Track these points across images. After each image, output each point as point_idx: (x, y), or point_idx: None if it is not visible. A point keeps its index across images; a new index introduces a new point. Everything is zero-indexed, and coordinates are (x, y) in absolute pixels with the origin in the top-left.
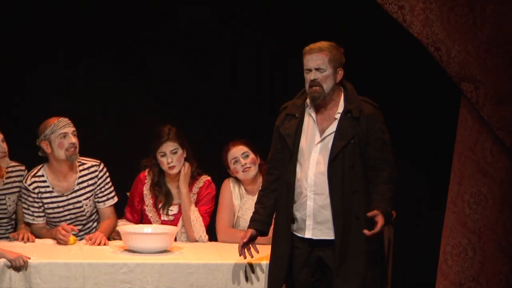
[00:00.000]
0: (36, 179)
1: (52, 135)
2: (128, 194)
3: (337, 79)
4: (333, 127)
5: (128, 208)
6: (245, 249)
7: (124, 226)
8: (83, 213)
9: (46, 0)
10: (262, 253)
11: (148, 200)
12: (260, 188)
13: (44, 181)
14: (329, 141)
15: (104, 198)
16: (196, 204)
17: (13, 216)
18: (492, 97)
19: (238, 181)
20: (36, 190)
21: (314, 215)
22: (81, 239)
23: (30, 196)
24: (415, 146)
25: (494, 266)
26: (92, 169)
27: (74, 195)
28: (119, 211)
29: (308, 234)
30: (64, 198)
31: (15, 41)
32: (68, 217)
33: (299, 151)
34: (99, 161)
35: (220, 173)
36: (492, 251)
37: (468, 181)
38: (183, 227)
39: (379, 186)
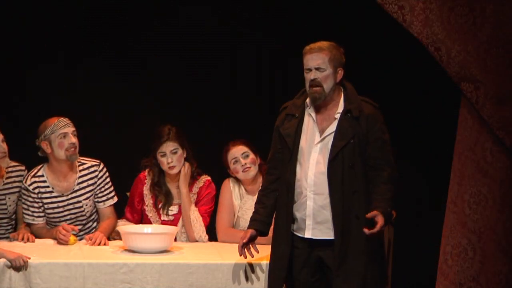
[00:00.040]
0: (36, 179)
1: (52, 135)
2: (128, 194)
3: (337, 78)
4: (333, 127)
5: (128, 208)
6: (245, 249)
7: (124, 226)
8: (83, 213)
9: (46, 0)
10: (262, 253)
11: (148, 200)
12: (260, 188)
13: (44, 181)
14: (329, 141)
15: (104, 198)
16: (196, 204)
17: (13, 216)
18: (492, 97)
19: (238, 181)
20: (36, 190)
21: (314, 215)
22: (81, 239)
23: (30, 196)
24: (415, 146)
25: (494, 266)
26: (92, 169)
27: (74, 195)
28: (119, 211)
29: (308, 234)
30: (64, 198)
31: (15, 41)
32: (68, 217)
33: (299, 151)
34: (99, 161)
35: (220, 173)
36: (492, 251)
37: (468, 181)
38: (183, 227)
39: (379, 186)
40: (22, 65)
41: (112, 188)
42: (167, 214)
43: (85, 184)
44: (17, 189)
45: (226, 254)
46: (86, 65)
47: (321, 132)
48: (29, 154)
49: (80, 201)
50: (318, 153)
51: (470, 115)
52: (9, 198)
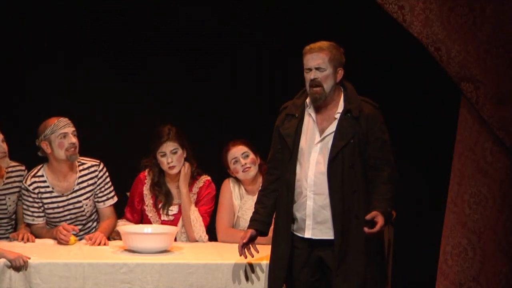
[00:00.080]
0: (36, 179)
1: (52, 135)
2: (128, 194)
3: (337, 78)
4: (332, 127)
5: (128, 208)
6: (245, 249)
7: (124, 226)
8: (83, 213)
9: (46, 0)
10: (262, 253)
11: (148, 200)
12: (260, 188)
13: (44, 181)
14: (329, 141)
15: (104, 198)
16: (196, 204)
17: (13, 216)
18: (492, 97)
19: (238, 181)
20: (36, 190)
21: (314, 215)
22: (81, 239)
23: (30, 196)
24: (415, 146)
25: (494, 266)
26: (92, 169)
27: (74, 195)
28: (119, 211)
29: (308, 234)
30: (64, 198)
31: (15, 41)
32: (68, 217)
33: (299, 151)
34: (99, 161)
35: (220, 173)
36: (492, 251)
37: (468, 181)
38: (183, 227)
39: (379, 186)
40: (22, 65)
41: (112, 188)
42: (167, 214)
43: (85, 184)
44: (17, 189)
45: (226, 254)
46: (86, 65)
47: (321, 132)
48: (29, 154)
49: (80, 201)
50: (318, 153)
51: (470, 115)
52: (9, 198)
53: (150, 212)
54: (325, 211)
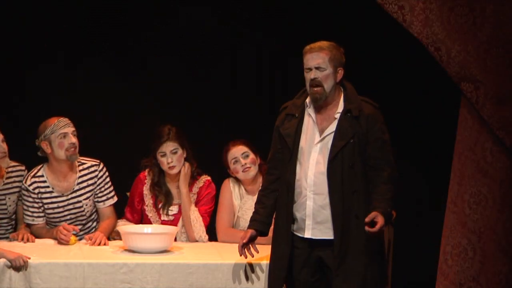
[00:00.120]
0: (36, 179)
1: (52, 135)
2: (128, 194)
3: (337, 78)
4: (332, 127)
5: (128, 208)
6: (245, 249)
7: (124, 226)
8: (83, 213)
9: (46, 0)
10: (262, 253)
11: (148, 200)
12: (260, 188)
13: (44, 181)
14: (329, 141)
15: (104, 198)
16: (196, 204)
17: (13, 216)
18: (492, 97)
19: (238, 181)
20: (36, 191)
21: (314, 215)
22: (81, 239)
23: (30, 196)
24: (415, 146)
25: (494, 266)
26: (92, 169)
27: (74, 195)
28: (119, 211)
29: (308, 234)
30: (64, 198)
31: (15, 41)
32: (68, 217)
33: (299, 151)
34: (98, 161)
35: (220, 173)
36: (492, 251)
37: (468, 181)
38: (183, 227)
39: (379, 186)
40: (22, 65)
41: (112, 188)
42: (167, 214)
43: (85, 184)
44: (17, 189)
45: (226, 254)
46: (86, 65)
47: (321, 132)
48: (29, 154)
49: (80, 201)
50: (318, 153)
51: (470, 115)
52: (9, 198)
53: (150, 212)
54: (325, 211)
